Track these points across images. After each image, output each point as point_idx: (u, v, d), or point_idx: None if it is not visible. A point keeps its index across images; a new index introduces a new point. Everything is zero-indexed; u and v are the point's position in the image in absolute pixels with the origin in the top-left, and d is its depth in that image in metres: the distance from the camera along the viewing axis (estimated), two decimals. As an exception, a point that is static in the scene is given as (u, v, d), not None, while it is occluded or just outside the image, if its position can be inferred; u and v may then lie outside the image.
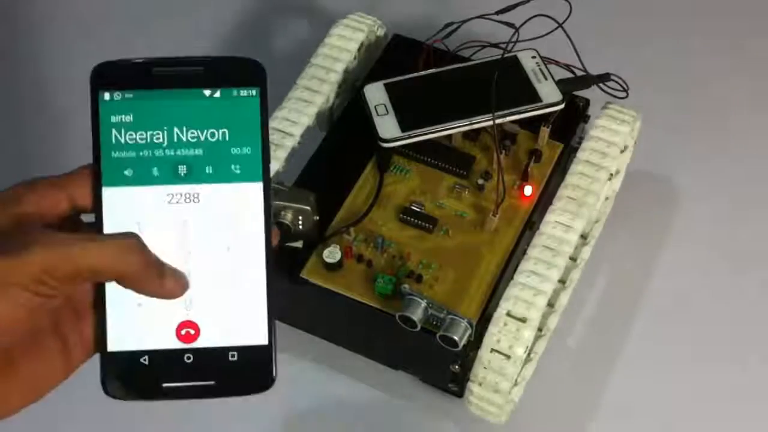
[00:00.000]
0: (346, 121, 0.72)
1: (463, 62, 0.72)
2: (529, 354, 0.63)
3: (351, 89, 0.74)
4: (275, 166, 0.67)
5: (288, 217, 0.62)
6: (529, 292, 0.61)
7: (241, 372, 0.40)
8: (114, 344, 0.40)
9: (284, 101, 0.70)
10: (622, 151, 0.70)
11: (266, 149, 0.41)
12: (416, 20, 0.85)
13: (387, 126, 0.67)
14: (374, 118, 0.68)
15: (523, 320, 0.60)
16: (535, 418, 0.69)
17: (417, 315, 0.60)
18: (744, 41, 0.89)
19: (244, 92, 0.41)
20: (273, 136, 0.68)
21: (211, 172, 0.40)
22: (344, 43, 0.73)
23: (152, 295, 0.39)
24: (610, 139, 0.68)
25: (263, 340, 0.40)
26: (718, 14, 0.91)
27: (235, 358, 0.40)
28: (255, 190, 0.41)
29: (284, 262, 0.64)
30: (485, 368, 0.61)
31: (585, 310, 0.74)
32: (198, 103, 0.41)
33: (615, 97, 0.70)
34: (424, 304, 0.61)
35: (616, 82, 0.69)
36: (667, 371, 0.71)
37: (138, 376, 0.40)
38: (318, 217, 0.63)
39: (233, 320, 0.40)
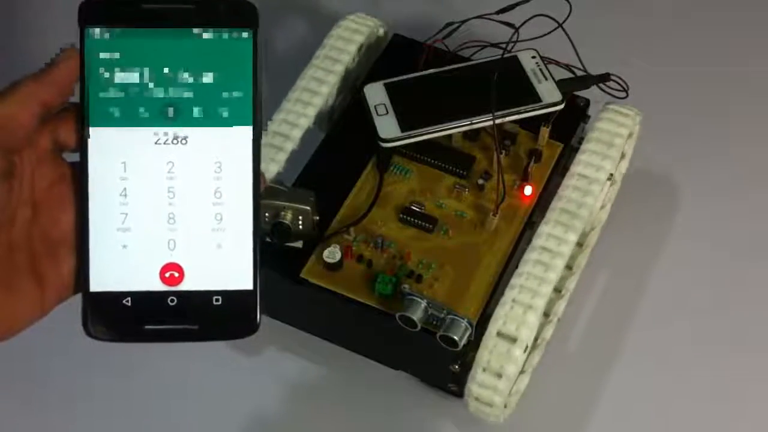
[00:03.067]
0: (346, 121, 0.72)
1: (463, 62, 0.72)
2: (536, 340, 0.63)
3: (351, 89, 0.74)
4: (275, 168, 0.67)
5: (288, 217, 0.62)
6: (527, 295, 0.61)
7: (224, 317, 0.40)
8: (96, 285, 0.39)
9: (284, 102, 0.70)
10: (621, 158, 0.70)
11: (258, 93, 0.40)
12: (416, 20, 0.85)
13: (387, 126, 0.67)
14: (374, 118, 0.68)
15: (514, 339, 0.60)
16: (535, 418, 0.68)
17: (417, 315, 0.60)
18: (744, 40, 0.89)
19: (236, 34, 0.40)
20: (273, 139, 0.68)
21: (199, 115, 0.40)
22: (344, 44, 0.73)
23: None
24: (610, 139, 0.69)
25: (248, 285, 0.40)
26: (718, 13, 0.91)
27: (219, 303, 0.40)
28: (244, 135, 0.40)
29: (284, 262, 0.64)
30: (479, 386, 0.61)
31: (585, 309, 0.74)
32: (188, 43, 0.40)
33: (615, 97, 0.70)
34: (424, 304, 0.61)
35: (616, 82, 0.69)
36: (667, 371, 0.71)
37: (120, 317, 0.39)
38: (318, 217, 0.63)
39: (218, 264, 0.40)
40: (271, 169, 0.66)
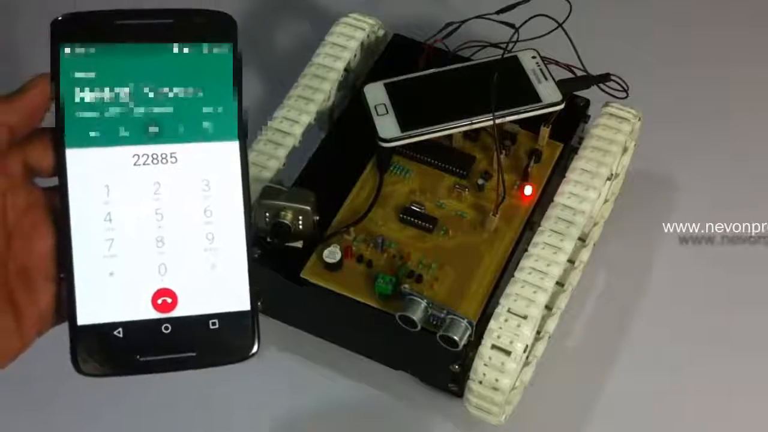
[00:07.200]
0: (346, 121, 0.72)
1: (463, 62, 0.72)
2: (527, 357, 0.63)
3: (351, 89, 0.74)
4: (275, 165, 0.67)
5: (288, 217, 0.62)
6: (529, 289, 0.61)
7: (222, 341, 0.38)
8: (84, 317, 0.37)
9: (285, 99, 0.70)
10: (623, 152, 0.70)
11: (241, 106, 0.39)
12: (416, 20, 0.85)
13: (387, 126, 0.67)
14: (374, 118, 0.68)
15: (524, 317, 0.60)
16: (534, 418, 0.68)
17: (417, 315, 0.60)
18: (744, 40, 0.89)
19: (215, 49, 0.39)
20: (274, 136, 0.68)
21: (182, 131, 0.38)
22: (345, 41, 0.73)
23: None
24: (611, 138, 0.69)
25: (245, 306, 0.38)
26: (718, 13, 0.91)
27: (216, 326, 0.38)
28: (231, 150, 0.39)
29: (284, 262, 0.64)
30: (485, 365, 0.61)
31: (584, 310, 0.74)
32: (166, 59, 0.38)
33: (615, 97, 0.70)
34: (424, 304, 0.61)
35: (616, 82, 0.69)
36: (667, 372, 0.71)
37: (112, 350, 0.37)
38: (318, 217, 0.63)
39: (212, 286, 0.38)
40: (271, 165, 0.66)
